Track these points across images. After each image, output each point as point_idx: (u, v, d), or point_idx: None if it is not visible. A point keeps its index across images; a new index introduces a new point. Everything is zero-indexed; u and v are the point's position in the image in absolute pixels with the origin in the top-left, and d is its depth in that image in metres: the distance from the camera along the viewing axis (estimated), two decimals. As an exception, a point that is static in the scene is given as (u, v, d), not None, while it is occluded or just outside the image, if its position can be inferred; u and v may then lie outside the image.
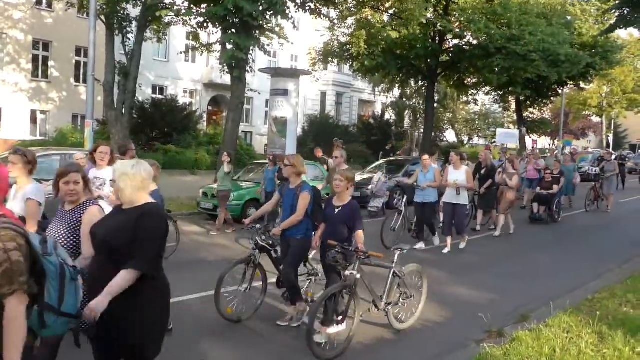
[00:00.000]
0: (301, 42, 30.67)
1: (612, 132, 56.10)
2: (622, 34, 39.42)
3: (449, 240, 10.33)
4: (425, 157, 10.91)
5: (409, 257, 8.78)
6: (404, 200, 11.10)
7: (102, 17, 17.75)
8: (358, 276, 5.09)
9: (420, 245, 10.46)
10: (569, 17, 24.87)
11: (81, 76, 26.97)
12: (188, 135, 25.28)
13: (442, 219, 10.80)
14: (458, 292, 7.61)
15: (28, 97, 25.80)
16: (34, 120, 26.28)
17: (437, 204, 10.67)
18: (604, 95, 44.88)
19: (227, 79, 27.94)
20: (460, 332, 5.96)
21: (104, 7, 17.19)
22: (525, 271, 9.08)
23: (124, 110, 18.92)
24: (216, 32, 18.01)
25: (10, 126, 24.85)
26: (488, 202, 12.65)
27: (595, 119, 52.44)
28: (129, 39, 19.13)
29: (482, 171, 12.57)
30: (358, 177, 17.53)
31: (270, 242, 6.08)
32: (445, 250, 10.18)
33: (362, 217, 5.52)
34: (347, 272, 5.07)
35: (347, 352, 5.21)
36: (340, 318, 5.18)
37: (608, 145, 50.46)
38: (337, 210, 5.54)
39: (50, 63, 26.48)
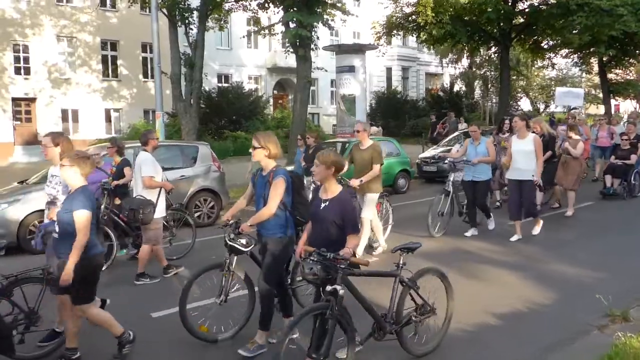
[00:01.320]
0: (363, 18, 29.81)
1: None
2: None
3: (518, 226, 8.57)
4: (474, 128, 9.15)
5: (463, 245, 8.21)
6: (452, 178, 9.11)
7: (164, 10, 17.76)
8: (342, 292, 3.79)
9: (473, 231, 8.99)
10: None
11: (149, 72, 27.51)
12: (256, 120, 25.24)
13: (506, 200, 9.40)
14: (558, 270, 6.83)
15: (101, 96, 26.66)
16: (108, 118, 27.16)
17: (491, 182, 9.25)
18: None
19: (290, 61, 27.75)
20: (575, 315, 5.27)
21: (165, 0, 17.19)
22: (619, 249, 8.04)
23: (192, 100, 18.92)
24: (277, 13, 17.62)
25: (87, 126, 25.88)
26: (548, 177, 9.99)
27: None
28: (192, 30, 19.11)
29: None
30: (432, 152, 16.71)
31: (244, 240, 4.76)
32: (514, 238, 8.46)
33: (357, 213, 4.40)
34: (328, 289, 3.80)
35: (444, 340, 4.66)
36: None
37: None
38: (323, 205, 4.23)
39: (119, 62, 27.22)
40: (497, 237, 8.73)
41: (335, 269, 3.82)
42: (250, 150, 4.79)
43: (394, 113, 31.02)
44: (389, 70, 38.76)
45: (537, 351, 4.47)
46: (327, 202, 4.20)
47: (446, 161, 10.26)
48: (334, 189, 4.24)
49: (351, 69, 19.87)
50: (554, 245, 8.15)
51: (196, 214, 10.62)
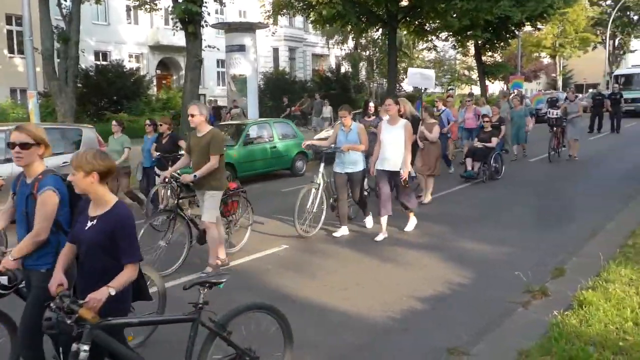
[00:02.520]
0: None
1: (561, 73, 56.79)
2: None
3: (384, 223, 7.58)
4: (343, 112, 7.64)
5: (374, 230, 7.53)
6: (322, 169, 7.85)
7: (33, -23, 15.93)
8: (83, 355, 2.69)
9: (343, 230, 7.86)
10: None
11: (15, 46, 24.83)
12: (140, 102, 23.70)
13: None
14: (472, 249, 6.92)
15: (-43, 73, 23.58)
16: (-34, 97, 24.11)
17: (365, 173, 7.94)
18: (557, 35, 44.95)
19: (174, 39, 26.44)
20: (497, 294, 5.29)
21: (34, -36, 15.38)
22: (518, 224, 8.38)
23: (67, 79, 17.25)
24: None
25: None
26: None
27: (546, 60, 52.71)
28: (65, 2, 17.38)
29: None
30: (326, 133, 16.56)
31: (5, 279, 3.36)
32: (380, 237, 7.47)
33: (136, 236, 3.07)
34: (73, 348, 2.73)
35: (369, 331, 4.45)
36: None
37: (556, 87, 50.96)
38: (89, 225, 3.02)
39: (-22, 34, 24.19)
40: (400, 220, 8.72)
41: (70, 327, 2.69)
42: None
43: (282, 94, 30.68)
44: (275, 50, 38.28)
45: (471, 336, 4.38)
46: (95, 221, 2.99)
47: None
48: (104, 202, 3.01)
49: (242, 49, 19.32)
50: (460, 223, 8.29)
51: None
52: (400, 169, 7.36)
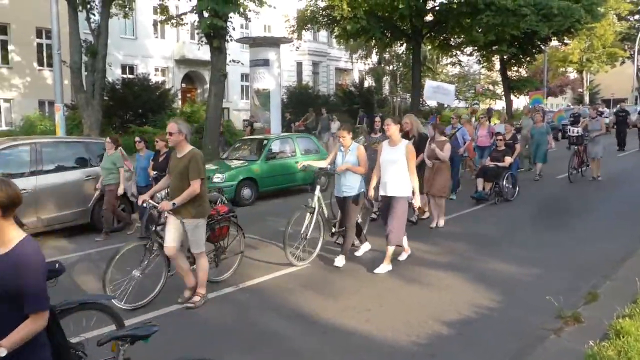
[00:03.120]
0: (274, 10, 29.26)
1: (588, 88, 55.96)
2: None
3: (404, 242, 7.19)
4: (343, 133, 7.06)
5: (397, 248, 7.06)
6: (317, 192, 7.26)
7: (63, -8, 16.19)
8: None
9: (365, 247, 7.59)
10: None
11: (44, 59, 25.30)
12: (164, 115, 23.90)
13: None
14: (497, 269, 6.69)
15: (-11, 84, 24.08)
16: (-3, 109, 24.61)
17: (363, 197, 7.19)
18: (584, 50, 44.37)
19: (199, 53, 26.69)
20: (526, 318, 5.07)
21: (65, -20, 15.69)
22: (549, 244, 8.14)
23: (94, 92, 17.50)
24: (189, 0, 16.63)
25: (-28, 117, 23.18)
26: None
27: (573, 75, 51.99)
28: (94, 15, 17.68)
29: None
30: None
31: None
32: (403, 257, 7.20)
33: (44, 280, 2.52)
34: None
35: (393, 355, 4.26)
36: None
37: (582, 102, 50.18)
38: None
39: (10, 47, 24.71)
40: (422, 238, 8.53)
41: None
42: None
43: (306, 108, 30.73)
44: (299, 64, 38.43)
45: (500, 363, 4.18)
46: None
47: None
48: (7, 240, 2.47)
49: (266, 63, 19.39)
50: (482, 242, 8.06)
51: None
52: (405, 195, 6.75)
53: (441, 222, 9.21)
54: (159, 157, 8.83)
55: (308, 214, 7.14)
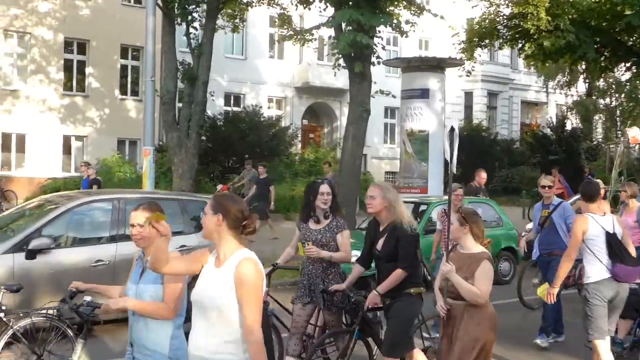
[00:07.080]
0: (434, 22, 29.71)
1: None
2: None
3: None
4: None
5: None
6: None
7: (159, 1, 17.47)
8: None
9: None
10: None
11: (128, 85, 27.41)
12: (279, 162, 24.79)
13: None
14: None
15: (60, 117, 26.29)
16: (67, 149, 26.84)
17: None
18: None
19: (328, 79, 27.42)
20: None
21: (162, -14, 16.97)
22: None
23: (189, 130, 18.37)
24: (324, 10, 17.38)
25: (37, 159, 25.35)
26: None
27: None
28: (195, 29, 18.79)
29: None
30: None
31: None
32: None
33: None
34: None
35: None
36: None
37: None
38: None
39: (88, 70, 26.93)
40: None
41: None
42: None
43: (477, 158, 30.39)
44: (468, 95, 38.34)
45: None
46: None
47: None
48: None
49: (424, 94, 19.38)
50: None
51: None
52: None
53: None
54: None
55: None
